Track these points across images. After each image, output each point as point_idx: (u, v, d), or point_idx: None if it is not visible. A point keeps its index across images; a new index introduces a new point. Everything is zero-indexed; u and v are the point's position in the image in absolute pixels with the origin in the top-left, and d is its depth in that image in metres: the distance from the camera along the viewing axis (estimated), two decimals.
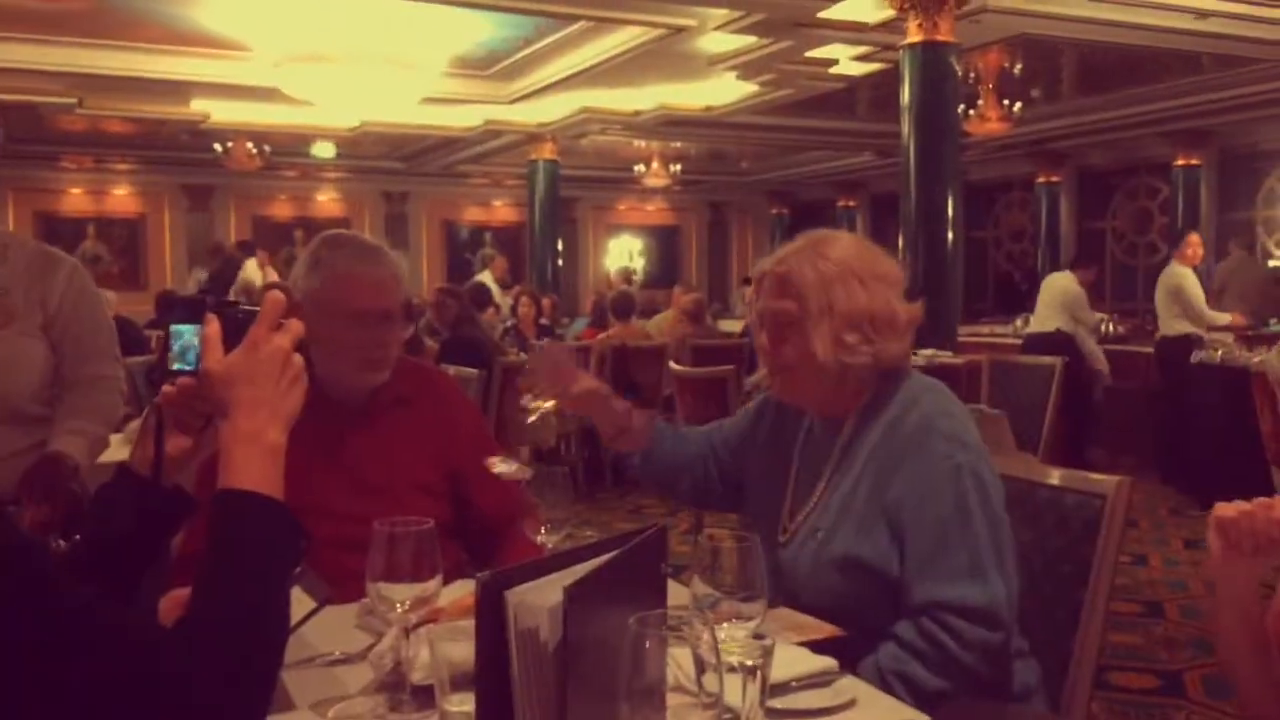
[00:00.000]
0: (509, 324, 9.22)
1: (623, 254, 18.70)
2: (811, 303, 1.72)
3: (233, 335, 1.15)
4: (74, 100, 10.48)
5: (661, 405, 7.41)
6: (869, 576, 1.68)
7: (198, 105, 11.24)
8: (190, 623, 0.99)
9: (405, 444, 2.06)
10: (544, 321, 9.75)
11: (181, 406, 1.22)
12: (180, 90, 10.44)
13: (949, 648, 1.58)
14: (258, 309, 1.18)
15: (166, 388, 1.23)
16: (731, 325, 11.13)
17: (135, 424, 3.19)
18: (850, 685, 1.42)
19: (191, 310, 1.21)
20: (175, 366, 1.21)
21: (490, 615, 1.04)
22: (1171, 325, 7.48)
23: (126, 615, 0.97)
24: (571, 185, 15.04)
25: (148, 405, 1.24)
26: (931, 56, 7.06)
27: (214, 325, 1.16)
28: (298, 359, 1.16)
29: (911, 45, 7.10)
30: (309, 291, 2.06)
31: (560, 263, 13.60)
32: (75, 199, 15.69)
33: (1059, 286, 7.78)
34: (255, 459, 1.07)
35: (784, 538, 1.80)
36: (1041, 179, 14.29)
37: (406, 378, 2.16)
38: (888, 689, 1.54)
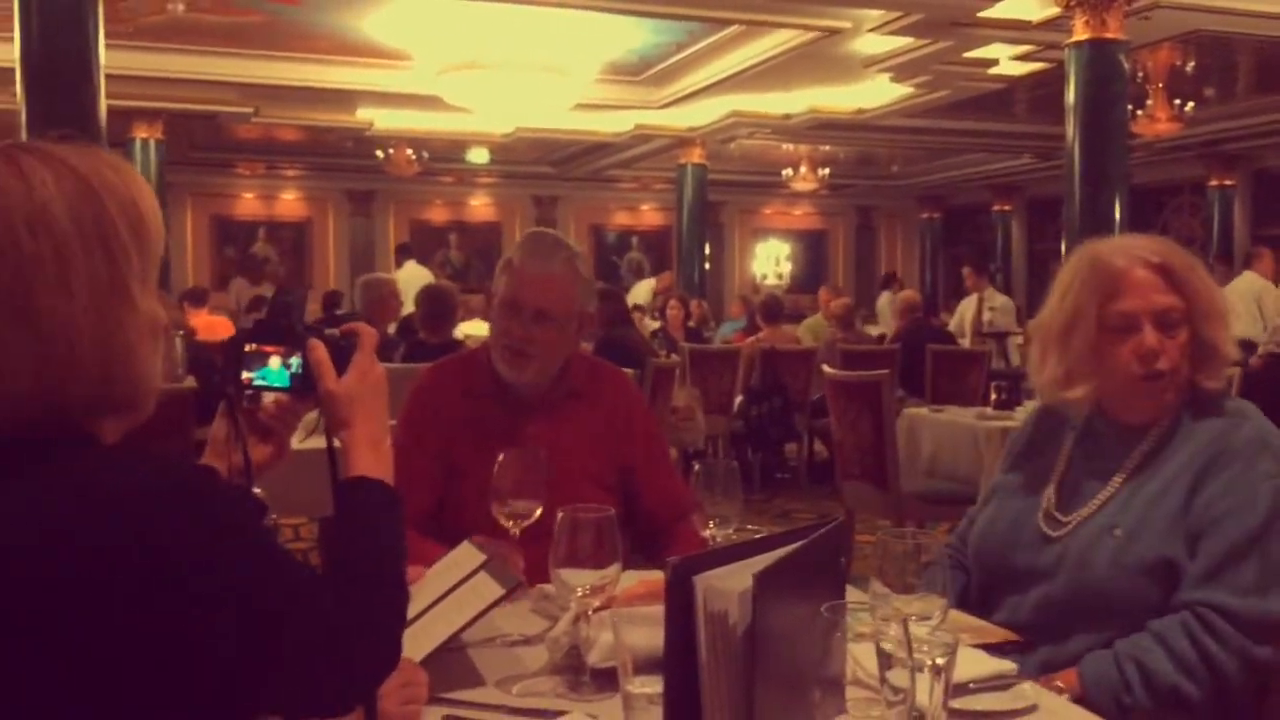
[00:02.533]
0: (657, 327, 9.29)
1: (769, 258, 18.59)
2: (1203, 302, 1.77)
3: (334, 359, 1.27)
4: (250, 110, 11.04)
5: (810, 409, 7.36)
6: (1175, 579, 1.65)
7: (363, 113, 11.71)
8: (332, 582, 1.10)
9: (580, 437, 2.12)
10: (691, 324, 9.78)
11: (277, 420, 1.32)
12: (347, 99, 10.90)
13: (1207, 647, 1.56)
14: (341, 335, 1.30)
15: (267, 403, 1.31)
16: (877, 330, 10.95)
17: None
18: (1030, 690, 1.40)
19: (273, 333, 1.29)
20: (258, 382, 1.28)
21: (679, 599, 1.07)
22: None
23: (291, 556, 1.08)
24: (719, 189, 15.04)
25: (218, 416, 1.30)
26: (1099, 55, 6.80)
27: (322, 350, 1.26)
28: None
29: (1078, 44, 6.86)
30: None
31: (707, 266, 13.63)
32: (248, 203, 16.53)
33: (1245, 286, 7.43)
34: (379, 458, 1.24)
35: (1058, 531, 1.77)
36: (1214, 182, 13.59)
37: (583, 373, 2.21)
38: (1119, 673, 1.54)
